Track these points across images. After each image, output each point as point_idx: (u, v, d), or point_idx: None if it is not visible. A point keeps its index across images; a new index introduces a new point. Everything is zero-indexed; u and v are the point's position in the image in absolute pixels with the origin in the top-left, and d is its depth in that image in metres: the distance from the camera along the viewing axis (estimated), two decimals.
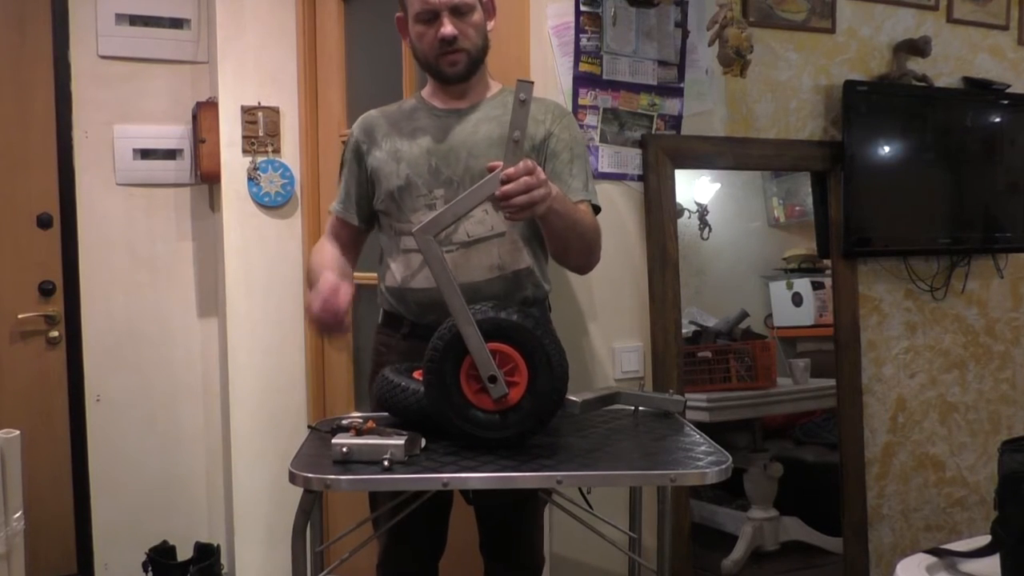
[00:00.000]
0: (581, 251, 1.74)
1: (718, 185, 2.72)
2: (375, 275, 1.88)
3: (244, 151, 2.54)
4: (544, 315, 1.85)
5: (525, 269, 1.75)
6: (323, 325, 1.65)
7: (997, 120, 2.70)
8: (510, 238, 1.72)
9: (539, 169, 1.45)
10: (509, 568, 1.89)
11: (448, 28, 1.68)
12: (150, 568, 2.61)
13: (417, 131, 1.76)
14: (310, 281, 1.76)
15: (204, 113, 2.56)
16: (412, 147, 1.75)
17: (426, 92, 1.84)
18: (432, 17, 1.69)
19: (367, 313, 2.54)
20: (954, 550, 1.47)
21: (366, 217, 1.86)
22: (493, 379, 1.43)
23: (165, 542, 2.68)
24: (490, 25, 1.78)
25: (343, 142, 2.49)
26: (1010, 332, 2.83)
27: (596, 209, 1.79)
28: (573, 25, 2.17)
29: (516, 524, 1.85)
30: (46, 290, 2.66)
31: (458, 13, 1.69)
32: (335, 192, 2.50)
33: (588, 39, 2.19)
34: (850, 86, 2.46)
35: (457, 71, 1.73)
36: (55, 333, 2.68)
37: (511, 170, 1.41)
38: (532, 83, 1.40)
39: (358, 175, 1.83)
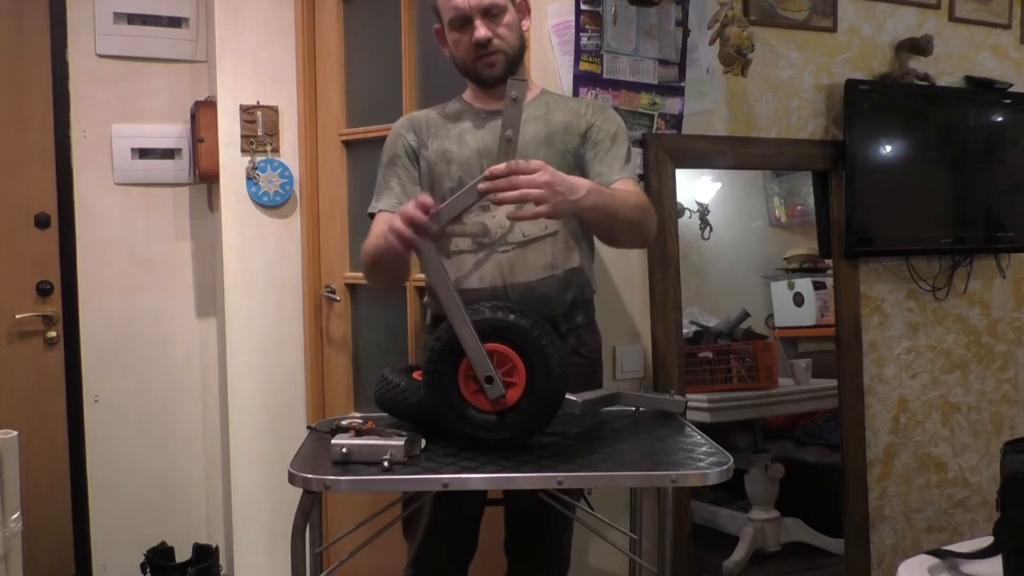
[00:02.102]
0: (629, 234, 1.72)
1: (719, 184, 2.71)
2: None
3: (243, 150, 2.52)
4: (589, 317, 1.84)
5: (577, 268, 1.75)
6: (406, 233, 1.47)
7: (999, 119, 2.69)
8: (562, 237, 1.72)
9: (545, 169, 1.43)
10: (535, 570, 1.88)
11: (481, 31, 1.68)
12: (148, 569, 2.60)
13: (464, 133, 1.76)
14: (377, 255, 1.68)
15: (203, 112, 2.55)
16: (462, 148, 1.74)
17: (468, 95, 1.84)
18: (465, 22, 1.70)
19: (368, 314, 2.54)
20: (956, 551, 1.46)
21: None
22: (490, 380, 1.42)
23: (163, 543, 2.67)
24: (526, 24, 1.78)
25: (343, 141, 2.51)
26: (1012, 332, 2.82)
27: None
28: (573, 24, 2.16)
29: (548, 527, 1.84)
30: (44, 290, 2.65)
31: (490, 15, 1.69)
32: (336, 191, 2.52)
33: (588, 38, 2.18)
34: (852, 85, 2.45)
35: (495, 73, 1.73)
36: (53, 333, 2.67)
37: (494, 168, 1.40)
38: (524, 81, 1.42)
39: (413, 172, 1.78)
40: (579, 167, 1.76)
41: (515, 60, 1.75)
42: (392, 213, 1.73)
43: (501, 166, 1.40)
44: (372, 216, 1.80)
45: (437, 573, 1.82)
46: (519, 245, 1.69)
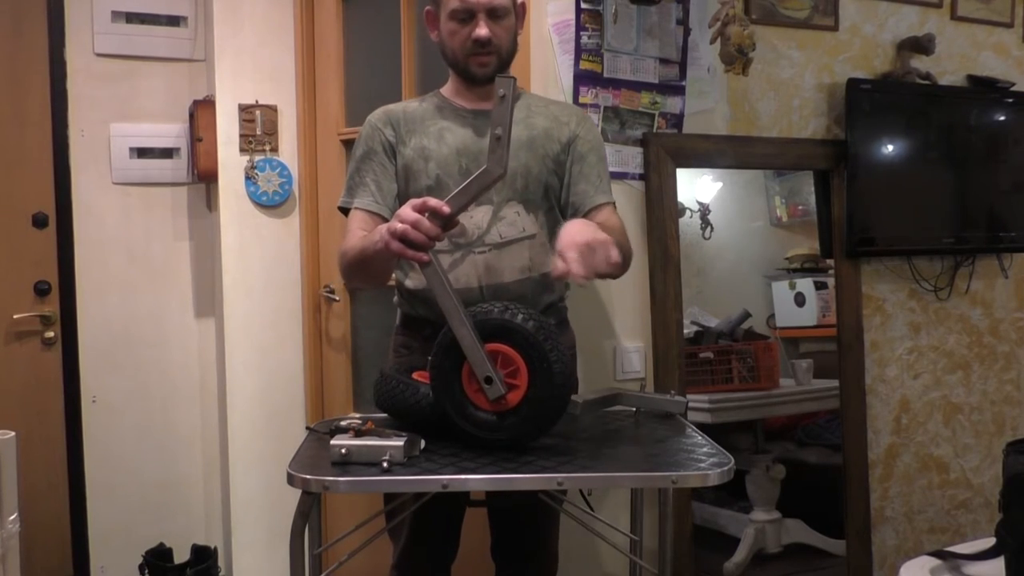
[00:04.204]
0: (618, 269, 1.71)
1: (720, 184, 2.70)
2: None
3: (241, 150, 2.52)
4: (560, 316, 1.84)
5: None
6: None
7: (1001, 119, 2.69)
8: (540, 239, 1.72)
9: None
10: (524, 572, 1.87)
11: (483, 30, 1.67)
12: (146, 571, 2.59)
13: (444, 131, 1.74)
14: (364, 256, 1.60)
15: (201, 111, 2.55)
16: (440, 147, 1.73)
17: (447, 91, 1.82)
18: (468, 17, 1.68)
19: (367, 314, 2.53)
20: (958, 553, 1.46)
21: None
22: (489, 380, 1.41)
23: (162, 544, 2.65)
24: (520, 31, 1.78)
25: (342, 141, 2.50)
26: (1015, 333, 2.81)
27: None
28: (574, 23, 2.15)
29: (533, 527, 1.83)
30: (42, 290, 2.64)
31: (494, 15, 1.68)
32: (335, 190, 2.51)
33: (589, 37, 2.17)
34: (853, 84, 2.44)
35: (486, 73, 1.72)
36: (51, 334, 2.66)
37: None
38: (513, 79, 1.40)
39: (389, 169, 1.76)
40: (558, 173, 1.77)
41: (506, 63, 1.75)
42: (367, 212, 1.72)
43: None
44: (344, 211, 1.78)
45: (420, 574, 1.82)
46: (496, 247, 1.68)
